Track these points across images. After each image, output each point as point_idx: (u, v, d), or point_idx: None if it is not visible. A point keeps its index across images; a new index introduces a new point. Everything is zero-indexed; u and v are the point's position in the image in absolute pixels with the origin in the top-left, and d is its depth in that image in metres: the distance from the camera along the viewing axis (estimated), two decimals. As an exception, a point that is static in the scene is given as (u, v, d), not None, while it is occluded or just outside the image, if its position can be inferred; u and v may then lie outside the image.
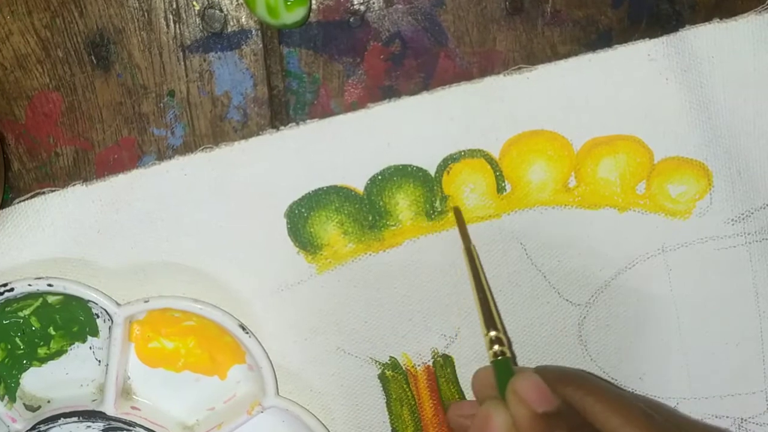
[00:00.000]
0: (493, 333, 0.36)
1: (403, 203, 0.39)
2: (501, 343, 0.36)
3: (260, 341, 0.39)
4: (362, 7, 0.39)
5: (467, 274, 0.38)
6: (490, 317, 0.37)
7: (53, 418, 0.40)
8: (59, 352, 0.41)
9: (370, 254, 0.40)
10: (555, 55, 0.39)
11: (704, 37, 0.38)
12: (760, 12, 0.38)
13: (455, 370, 0.41)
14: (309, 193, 0.39)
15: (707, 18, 0.39)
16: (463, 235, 0.39)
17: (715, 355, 0.41)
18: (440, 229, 0.40)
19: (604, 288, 0.40)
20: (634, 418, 0.33)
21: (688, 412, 0.41)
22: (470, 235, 0.39)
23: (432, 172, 0.39)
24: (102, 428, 0.40)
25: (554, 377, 0.35)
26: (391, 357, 0.41)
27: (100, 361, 0.41)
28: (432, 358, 0.41)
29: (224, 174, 0.39)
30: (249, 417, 0.40)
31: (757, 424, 0.42)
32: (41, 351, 0.40)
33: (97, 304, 0.39)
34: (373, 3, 0.39)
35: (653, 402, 0.41)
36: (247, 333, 0.39)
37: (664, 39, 0.38)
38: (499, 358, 0.36)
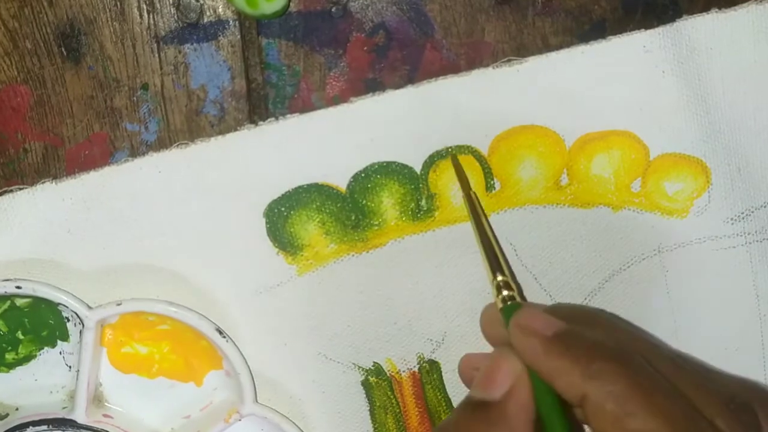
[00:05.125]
0: (500, 278, 0.34)
1: (388, 202, 0.38)
2: (509, 288, 0.34)
3: (238, 346, 0.38)
4: (344, -3, 0.38)
5: (470, 221, 0.36)
6: (496, 261, 0.34)
7: (22, 426, 0.39)
8: (28, 358, 0.39)
9: (353, 255, 0.39)
10: (546, 47, 0.38)
11: (702, 28, 0.37)
12: (760, 1, 0.37)
13: (442, 377, 0.39)
14: (289, 191, 0.38)
15: (705, 8, 0.38)
16: (462, 181, 0.37)
17: (714, 360, 0.39)
18: (426, 229, 0.38)
19: (598, 291, 0.39)
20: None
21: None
22: (461, 234, 0.38)
23: (417, 169, 0.38)
24: (73, 437, 0.39)
25: (569, 314, 0.32)
26: (374, 362, 0.39)
27: (70, 367, 0.40)
28: (418, 363, 0.39)
29: (200, 171, 0.38)
30: (226, 425, 0.39)
31: None
32: (9, 356, 0.39)
33: (67, 307, 0.38)
34: (356, -8, 0.38)
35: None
36: (225, 337, 0.38)
37: (660, 30, 0.37)
38: (509, 303, 0.33)
